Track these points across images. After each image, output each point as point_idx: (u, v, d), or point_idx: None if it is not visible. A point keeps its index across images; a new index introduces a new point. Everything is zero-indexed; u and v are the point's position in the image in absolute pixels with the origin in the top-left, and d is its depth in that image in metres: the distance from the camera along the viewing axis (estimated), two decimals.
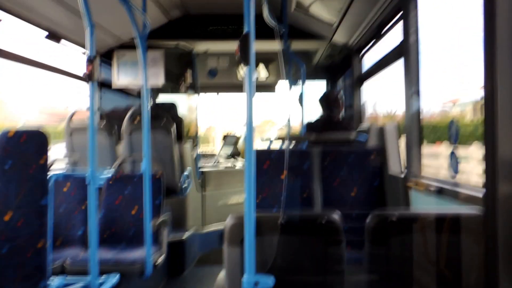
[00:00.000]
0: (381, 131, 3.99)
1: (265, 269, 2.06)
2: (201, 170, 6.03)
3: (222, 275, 2.36)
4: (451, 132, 2.68)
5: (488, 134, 1.38)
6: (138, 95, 6.68)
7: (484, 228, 1.45)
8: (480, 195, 1.49)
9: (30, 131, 2.56)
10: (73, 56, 5.17)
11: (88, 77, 2.87)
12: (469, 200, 2.47)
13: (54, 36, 4.58)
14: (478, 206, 1.79)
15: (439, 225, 1.99)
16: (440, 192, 2.82)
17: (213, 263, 5.57)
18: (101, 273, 3.29)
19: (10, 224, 2.48)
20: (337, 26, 4.84)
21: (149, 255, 3.71)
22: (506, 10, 1.34)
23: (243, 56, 1.87)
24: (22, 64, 4.11)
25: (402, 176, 3.56)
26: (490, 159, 1.38)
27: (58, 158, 4.93)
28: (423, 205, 3.19)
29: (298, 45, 5.95)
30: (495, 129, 1.35)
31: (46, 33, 4.50)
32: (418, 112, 3.39)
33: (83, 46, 5.13)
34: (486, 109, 1.39)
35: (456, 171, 2.68)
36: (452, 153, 2.69)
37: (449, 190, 2.73)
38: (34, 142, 2.53)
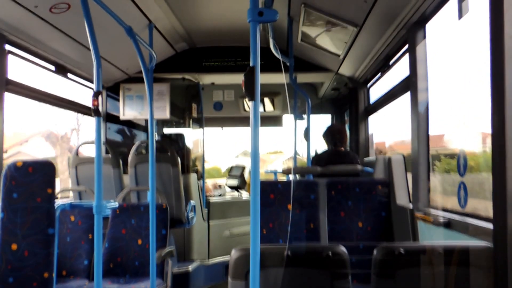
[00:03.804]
0: (388, 163, 3.98)
1: None
2: (207, 200, 6.02)
3: None
4: (459, 164, 2.66)
5: (497, 168, 1.37)
6: (144, 128, 6.73)
7: (494, 262, 1.42)
8: (490, 227, 1.47)
9: (38, 162, 2.57)
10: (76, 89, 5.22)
11: (94, 111, 2.87)
12: (479, 232, 2.44)
13: (61, 69, 4.64)
14: (488, 239, 1.77)
15: (447, 258, 1.97)
16: (449, 224, 2.79)
17: None
18: None
19: (17, 254, 2.48)
20: (343, 58, 4.87)
21: (153, 287, 3.68)
22: None
23: (249, 90, 1.85)
24: (28, 98, 4.15)
25: (410, 207, 3.53)
26: (499, 192, 1.37)
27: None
28: (432, 237, 3.15)
29: (304, 77, 5.98)
30: (504, 163, 1.34)
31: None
32: (426, 144, 3.38)
33: (90, 80, 5.19)
34: (495, 143, 1.39)
35: (465, 203, 2.65)
36: (461, 185, 2.67)
37: (458, 222, 2.70)
38: (41, 172, 2.55)
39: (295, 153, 5.78)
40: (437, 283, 2.01)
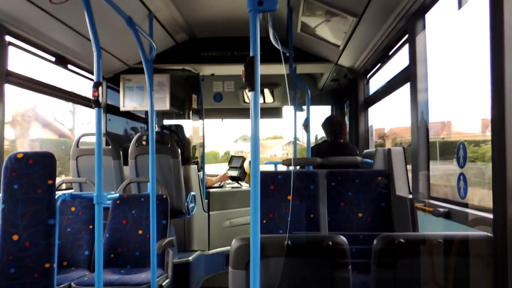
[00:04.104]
0: (388, 154, 3.99)
1: None
2: (207, 190, 6.03)
3: None
4: (458, 155, 2.67)
5: (497, 157, 1.37)
6: (144, 119, 6.73)
7: (494, 251, 1.43)
8: (490, 217, 1.47)
9: (39, 153, 2.58)
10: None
11: (94, 102, 2.87)
12: (479, 223, 2.45)
13: (61, 60, 4.64)
14: (488, 229, 1.77)
15: (447, 248, 1.97)
16: (448, 214, 2.80)
17: (218, 286, 5.54)
18: None
19: (18, 244, 2.49)
20: (343, 49, 4.86)
21: (154, 277, 3.70)
22: None
23: (249, 80, 1.86)
24: (29, 89, 4.17)
25: (409, 198, 3.54)
26: (498, 181, 1.37)
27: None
28: (431, 228, 3.16)
29: (303, 68, 5.97)
30: (504, 152, 1.34)
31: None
32: (426, 134, 3.39)
33: (90, 71, 5.19)
34: (494, 131, 1.39)
35: (465, 194, 2.65)
36: (460, 176, 2.67)
37: (457, 212, 2.71)
38: (42, 164, 2.56)
39: (295, 144, 5.78)
40: (437, 273, 2.02)
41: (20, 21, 3.68)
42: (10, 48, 3.79)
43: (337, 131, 4.80)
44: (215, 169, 8.33)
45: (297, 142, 5.75)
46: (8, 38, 3.74)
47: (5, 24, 3.63)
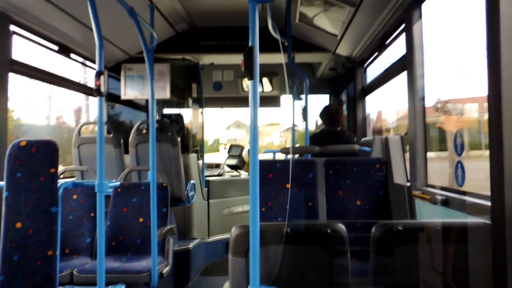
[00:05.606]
0: (385, 142, 4.02)
1: (270, 280, 2.07)
2: (206, 179, 6.07)
3: (227, 286, 2.37)
4: (456, 144, 2.69)
5: (494, 144, 1.39)
6: (145, 108, 6.76)
7: (492, 239, 1.45)
8: (488, 204, 1.50)
9: (41, 141, 2.60)
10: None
11: (96, 91, 2.90)
12: (477, 210, 2.47)
13: (64, 49, 4.66)
14: (486, 217, 1.79)
15: (445, 235, 2.00)
16: (446, 202, 2.82)
17: (218, 273, 5.59)
18: (108, 283, 3.31)
19: (21, 232, 2.51)
20: (341, 38, 4.88)
21: (155, 265, 3.73)
22: (510, 17, 1.36)
23: (248, 69, 1.89)
24: (32, 78, 4.19)
25: (407, 186, 3.57)
26: (496, 168, 1.38)
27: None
28: (429, 215, 3.19)
29: (302, 57, 5.99)
30: (501, 139, 1.35)
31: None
32: (423, 122, 3.41)
33: (91, 60, 5.21)
34: (491, 118, 1.40)
35: (462, 182, 2.68)
36: (458, 164, 2.70)
37: (455, 200, 2.73)
38: (44, 152, 2.57)
39: (293, 132, 5.80)
40: (435, 260, 2.05)
41: (25, 10, 3.71)
42: (15, 37, 3.83)
43: (334, 120, 4.83)
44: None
45: (295, 128, 5.78)
46: (12, 27, 3.77)
47: (10, 13, 3.66)
